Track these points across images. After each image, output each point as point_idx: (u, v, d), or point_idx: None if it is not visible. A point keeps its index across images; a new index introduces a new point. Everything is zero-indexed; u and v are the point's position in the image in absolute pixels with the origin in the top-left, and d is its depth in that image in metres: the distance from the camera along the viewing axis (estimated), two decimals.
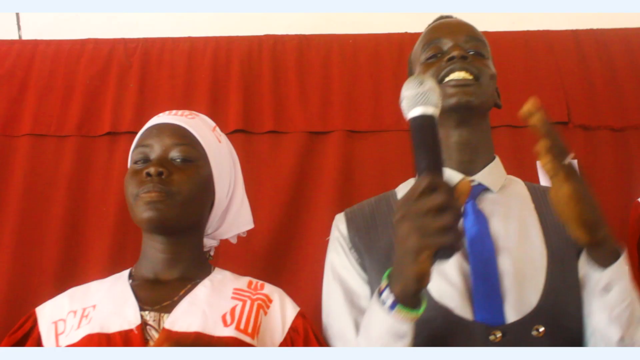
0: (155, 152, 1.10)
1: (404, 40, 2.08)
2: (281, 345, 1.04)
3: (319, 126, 1.98)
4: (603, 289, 0.91)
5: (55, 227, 1.89)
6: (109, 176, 1.95)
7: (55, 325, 1.04)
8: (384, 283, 0.85)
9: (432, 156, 0.81)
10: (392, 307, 0.82)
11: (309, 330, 1.06)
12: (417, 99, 0.83)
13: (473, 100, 1.06)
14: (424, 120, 0.82)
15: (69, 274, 1.84)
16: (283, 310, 1.08)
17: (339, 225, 1.15)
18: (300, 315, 1.09)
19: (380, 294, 0.85)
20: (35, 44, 2.12)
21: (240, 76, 2.02)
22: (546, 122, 0.83)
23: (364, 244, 1.09)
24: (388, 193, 1.19)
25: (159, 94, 2.02)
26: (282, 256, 1.85)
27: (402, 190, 1.18)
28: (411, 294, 0.81)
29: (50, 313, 1.07)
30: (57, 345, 1.02)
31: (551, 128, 0.84)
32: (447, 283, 0.98)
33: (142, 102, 2.01)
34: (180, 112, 1.17)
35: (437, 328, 0.94)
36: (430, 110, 0.83)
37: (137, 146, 1.13)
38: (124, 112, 2.00)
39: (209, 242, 1.23)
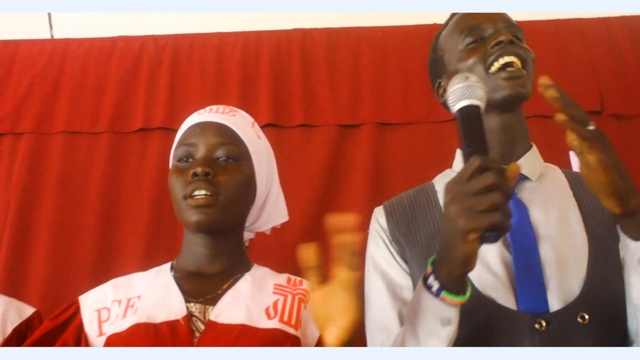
0: (200, 151, 1.10)
1: (433, 32, 2.06)
2: (319, 339, 1.04)
3: (349, 119, 1.98)
4: (639, 261, 0.89)
5: (90, 223, 1.93)
6: (142, 171, 1.98)
7: (98, 313, 1.07)
8: (429, 269, 0.85)
9: (480, 141, 0.81)
10: (439, 292, 0.82)
11: None
12: (464, 93, 0.84)
13: (524, 92, 1.06)
14: (470, 110, 0.84)
15: (104, 268, 1.87)
16: None
17: (379, 218, 1.14)
18: None
19: (425, 280, 0.85)
20: (67, 42, 2.16)
21: (270, 70, 2.03)
22: (562, 94, 0.81)
23: (405, 236, 1.08)
24: (426, 185, 1.18)
25: (189, 90, 2.04)
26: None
27: (439, 181, 1.17)
28: (456, 278, 0.82)
29: (93, 301, 1.09)
30: (101, 333, 1.04)
31: (568, 100, 0.82)
32: (489, 273, 0.98)
33: (173, 98, 2.03)
34: (221, 108, 1.17)
35: (481, 319, 0.94)
36: (476, 102, 0.84)
37: (180, 144, 1.14)
38: (155, 108, 2.02)
39: (245, 235, 1.23)
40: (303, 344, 1.02)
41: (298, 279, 1.15)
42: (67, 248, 1.91)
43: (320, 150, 1.95)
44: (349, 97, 2.00)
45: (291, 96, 2.01)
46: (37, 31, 2.20)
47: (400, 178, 1.90)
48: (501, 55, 1.06)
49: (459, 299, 0.83)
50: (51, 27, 2.21)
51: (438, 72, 1.21)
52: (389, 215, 1.13)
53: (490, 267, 0.99)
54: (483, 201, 0.75)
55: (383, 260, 1.10)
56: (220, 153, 1.10)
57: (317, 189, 1.91)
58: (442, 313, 0.84)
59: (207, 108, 1.18)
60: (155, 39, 2.12)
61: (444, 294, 0.82)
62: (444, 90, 1.18)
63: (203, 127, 1.12)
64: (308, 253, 0.82)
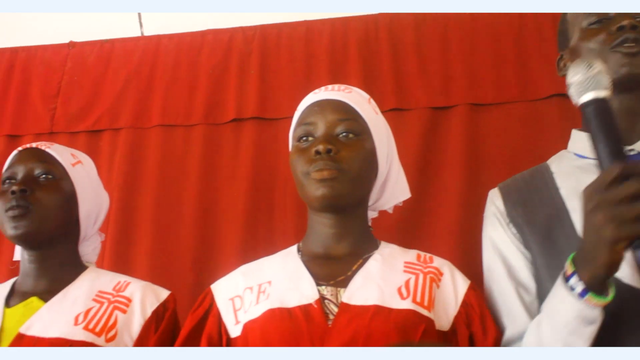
0: (319, 129, 1.10)
1: (523, 21, 1.98)
2: (456, 318, 1.04)
3: (442, 101, 1.94)
4: None
5: (189, 213, 1.98)
6: (237, 161, 2.01)
7: (232, 301, 1.09)
8: (569, 269, 0.85)
9: (614, 141, 0.79)
10: (583, 294, 0.82)
11: (483, 305, 1.07)
12: (588, 84, 0.82)
13: None
14: (600, 105, 0.81)
15: (204, 257, 1.92)
16: (454, 283, 1.08)
17: (495, 200, 1.14)
18: (471, 288, 1.09)
19: (566, 279, 0.85)
20: (158, 39, 2.22)
21: (359, 56, 2.02)
22: None
23: (523, 218, 1.08)
24: (541, 166, 1.16)
25: (279, 79, 2.06)
26: (410, 235, 1.84)
27: (554, 163, 1.15)
28: (600, 281, 0.82)
29: (226, 290, 1.12)
30: (237, 321, 1.07)
31: None
32: None
33: (264, 87, 2.05)
34: (336, 86, 1.18)
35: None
36: (603, 93, 0.81)
37: (299, 124, 1.15)
38: (247, 99, 2.05)
39: (369, 214, 1.22)
40: (437, 326, 1.01)
41: (428, 255, 1.14)
42: (168, 239, 1.97)
43: (413, 134, 1.92)
44: (440, 79, 1.96)
45: (381, 81, 1.99)
46: (128, 30, 2.27)
47: (496, 159, 1.86)
48: (624, 42, 1.02)
49: (604, 301, 0.82)
50: (141, 24, 2.27)
51: (562, 44, 1.18)
52: (505, 197, 1.13)
53: None
54: (631, 210, 0.74)
55: (501, 242, 1.10)
56: (340, 129, 1.10)
57: (411, 172, 1.87)
58: (585, 314, 0.83)
59: (322, 87, 1.19)
60: (243, 30, 2.15)
61: (589, 295, 0.82)
62: (564, 65, 1.15)
63: (321, 105, 1.13)
64: None
